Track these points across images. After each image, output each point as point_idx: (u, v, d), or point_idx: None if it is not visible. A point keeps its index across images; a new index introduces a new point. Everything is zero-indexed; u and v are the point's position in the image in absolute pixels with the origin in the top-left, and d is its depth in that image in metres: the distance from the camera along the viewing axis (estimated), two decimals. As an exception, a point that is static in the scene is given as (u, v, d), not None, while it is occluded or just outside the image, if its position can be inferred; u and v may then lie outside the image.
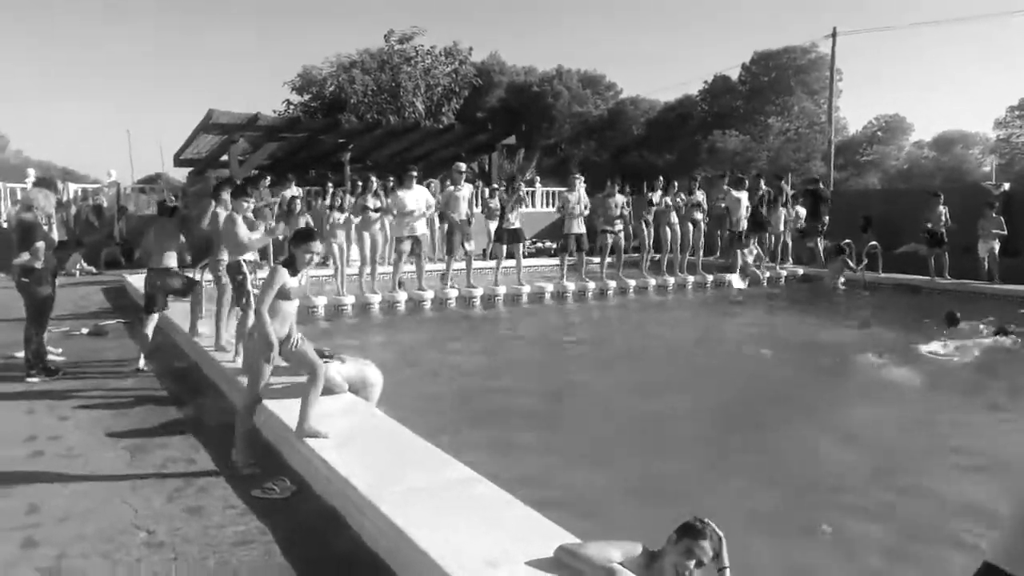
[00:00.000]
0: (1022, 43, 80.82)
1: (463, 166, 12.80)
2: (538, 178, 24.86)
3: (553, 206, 21.54)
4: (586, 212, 12.83)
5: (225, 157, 18.71)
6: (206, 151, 19.44)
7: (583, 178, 13.31)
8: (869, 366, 7.89)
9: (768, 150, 33.73)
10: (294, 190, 15.35)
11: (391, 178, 14.09)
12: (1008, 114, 42.05)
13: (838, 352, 8.78)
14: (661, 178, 14.50)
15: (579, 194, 12.92)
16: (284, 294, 4.47)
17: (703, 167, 30.95)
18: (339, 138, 18.95)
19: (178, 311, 8.36)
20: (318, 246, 4.58)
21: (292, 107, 30.59)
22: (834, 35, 26.29)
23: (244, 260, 6.57)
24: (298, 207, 11.48)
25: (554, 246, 19.24)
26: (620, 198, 13.27)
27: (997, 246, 12.87)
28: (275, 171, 17.37)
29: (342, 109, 26.12)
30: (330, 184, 13.39)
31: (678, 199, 13.97)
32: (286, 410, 4.93)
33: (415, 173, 11.42)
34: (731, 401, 6.60)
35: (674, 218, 13.83)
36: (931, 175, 40.65)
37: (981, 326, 9.91)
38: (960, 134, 44.93)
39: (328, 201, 11.97)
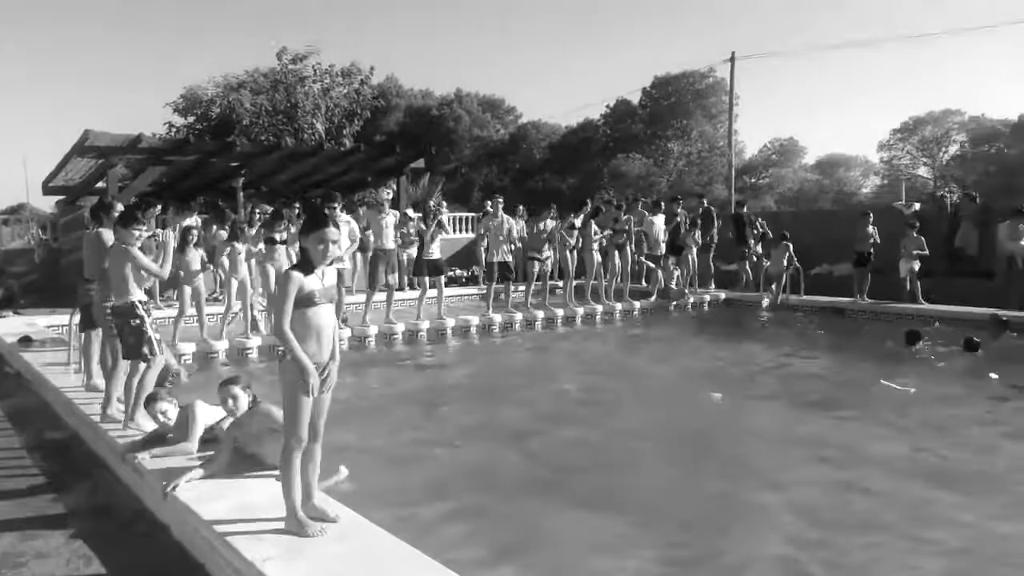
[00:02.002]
0: (907, 68, 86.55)
1: (388, 192, 11.98)
2: (444, 203, 24.00)
3: (464, 231, 20.78)
4: (515, 237, 12.11)
5: (102, 184, 16.92)
6: (80, 177, 17.53)
7: (502, 201, 12.54)
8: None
9: (669, 174, 34.18)
10: (191, 220, 13.93)
11: (296, 206, 12.93)
12: (891, 137, 44.71)
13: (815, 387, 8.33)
14: (589, 202, 13.94)
15: (502, 219, 12.17)
16: (306, 301, 3.57)
17: (606, 191, 30.94)
18: (233, 161, 17.48)
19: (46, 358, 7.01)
20: (334, 233, 3.64)
21: (175, 130, 28.59)
22: (732, 60, 26.92)
23: (138, 301, 5.38)
24: (194, 238, 10.23)
25: (465, 274, 18.42)
26: (550, 223, 12.63)
27: (917, 266, 12.96)
28: (159, 199, 15.78)
29: (231, 132, 24.50)
30: (231, 213, 12.08)
31: (598, 224, 13.42)
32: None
33: (336, 205, 10.41)
34: (709, 451, 5.92)
35: (597, 244, 13.27)
36: (815, 198, 42.52)
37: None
38: (843, 157, 47.37)
39: (225, 231, 10.73)
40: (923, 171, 43.56)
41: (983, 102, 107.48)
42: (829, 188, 44.74)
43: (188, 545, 4.00)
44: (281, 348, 3.62)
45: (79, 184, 17.32)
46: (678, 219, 15.16)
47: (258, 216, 11.74)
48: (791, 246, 14.07)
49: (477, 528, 4.42)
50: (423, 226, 11.53)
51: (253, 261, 11.34)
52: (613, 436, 6.24)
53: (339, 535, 3.67)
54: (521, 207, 14.13)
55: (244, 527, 3.74)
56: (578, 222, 13.05)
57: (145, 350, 5.28)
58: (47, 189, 18.15)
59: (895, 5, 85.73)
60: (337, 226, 3.80)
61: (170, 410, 5.04)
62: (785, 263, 14.05)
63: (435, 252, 11.48)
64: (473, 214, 21.38)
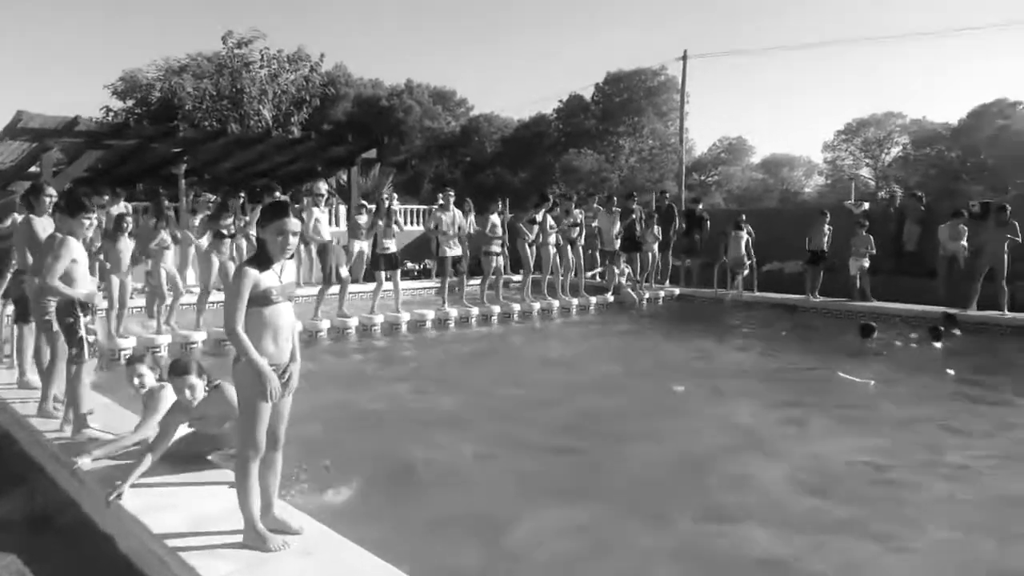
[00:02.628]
0: (852, 70, 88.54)
1: (324, 186, 11.62)
2: (395, 195, 23.59)
3: (415, 224, 20.44)
4: (462, 232, 11.91)
5: (35, 168, 16.09)
6: (11, 160, 16.62)
7: (453, 194, 12.27)
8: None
9: (620, 170, 34.29)
10: (121, 207, 13.27)
11: (241, 196, 12.45)
12: (835, 138, 45.70)
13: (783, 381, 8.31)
14: (551, 197, 13.73)
15: (453, 213, 11.92)
16: (262, 299, 3.28)
17: (558, 185, 30.87)
18: (175, 147, 16.81)
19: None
20: (295, 224, 3.34)
21: (113, 114, 27.54)
22: (685, 58, 27.11)
23: (77, 300, 4.96)
24: (127, 227, 9.57)
25: (417, 268, 18.10)
26: (495, 218, 12.43)
27: (867, 264, 13.16)
28: (94, 185, 15.05)
29: (172, 117, 23.64)
30: (166, 201, 11.41)
31: (553, 218, 13.27)
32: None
33: (278, 193, 10.06)
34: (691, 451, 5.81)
35: (554, 238, 13.11)
36: (760, 197, 43.27)
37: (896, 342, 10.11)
38: (786, 157, 48.31)
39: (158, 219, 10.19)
40: (865, 172, 44.69)
41: (923, 106, 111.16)
42: (774, 187, 45.60)
43: (135, 559, 3.70)
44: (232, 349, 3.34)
45: (10, 168, 16.42)
46: (633, 216, 15.14)
47: (203, 204, 11.29)
48: (746, 235, 14.24)
49: (452, 535, 4.21)
50: (377, 220, 11.22)
51: (192, 252, 10.90)
52: (572, 427, 6.09)
53: (303, 549, 3.41)
54: (469, 200, 13.87)
55: (198, 540, 3.47)
56: (539, 216, 12.87)
57: (74, 351, 4.85)
58: (-26, 172, 17.16)
59: (844, 6, 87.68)
60: (300, 217, 3.56)
61: (147, 377, 4.74)
62: (743, 250, 14.18)
63: (390, 246, 11.18)
64: (424, 206, 21.04)
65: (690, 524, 4.36)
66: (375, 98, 40.34)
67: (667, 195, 18.36)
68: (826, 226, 13.77)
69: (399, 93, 40.67)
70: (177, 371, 4.00)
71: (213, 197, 12.37)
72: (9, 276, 10.37)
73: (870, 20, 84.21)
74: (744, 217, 14.95)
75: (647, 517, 4.41)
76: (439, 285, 12.33)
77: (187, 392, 4.22)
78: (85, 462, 4.27)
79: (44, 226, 5.88)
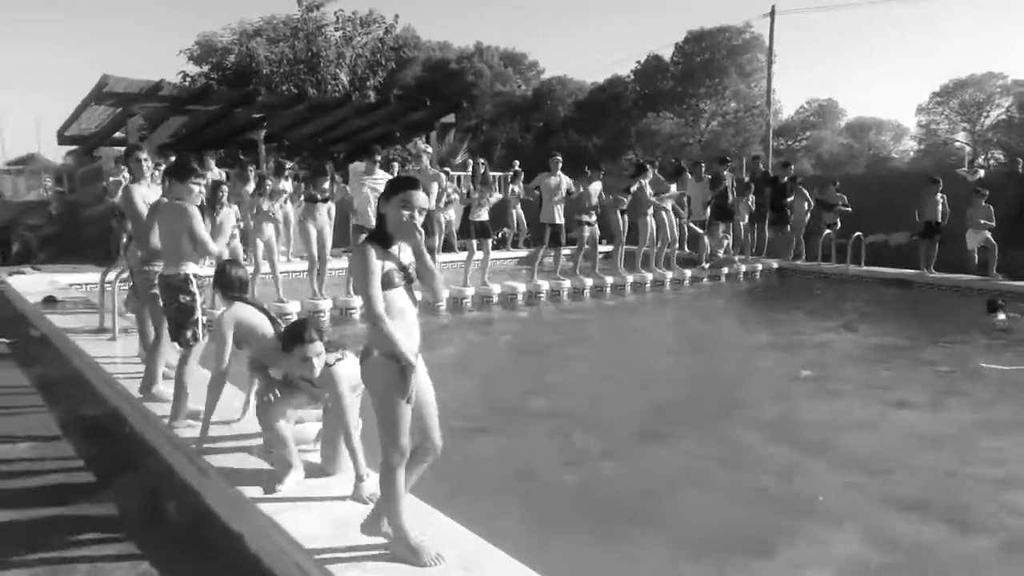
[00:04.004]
0: (947, 27, 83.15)
1: (426, 147, 11.18)
2: (471, 161, 23.15)
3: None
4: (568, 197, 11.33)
5: (120, 134, 16.14)
6: (95, 126, 16.72)
7: (560, 159, 11.68)
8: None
9: (700, 134, 33.05)
10: (216, 173, 13.12)
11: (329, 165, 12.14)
12: (930, 100, 43.12)
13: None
14: (648, 167, 13.01)
15: (560, 178, 11.34)
16: (385, 281, 2.90)
17: (634, 151, 29.92)
18: (256, 112, 16.64)
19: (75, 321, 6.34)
20: (422, 198, 2.96)
21: (191, 79, 27.64)
22: (772, 14, 25.68)
23: (192, 274, 4.63)
24: (224, 196, 9.36)
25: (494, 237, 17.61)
26: (597, 185, 11.81)
27: (986, 236, 12.14)
28: (177, 149, 15.01)
29: (248, 82, 23.55)
30: (288, 167, 11.21)
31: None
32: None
33: (378, 157, 9.71)
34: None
35: (651, 208, 12.45)
36: (845, 162, 41.29)
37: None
38: (874, 120, 45.93)
39: (253, 186, 9.96)
40: (961, 136, 42.19)
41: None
42: (859, 152, 43.47)
43: (268, 562, 3.35)
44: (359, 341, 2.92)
45: (96, 133, 16.51)
46: (724, 184, 14.34)
47: (288, 171, 11.01)
48: (807, 192, 14.03)
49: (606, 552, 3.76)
50: (471, 185, 10.75)
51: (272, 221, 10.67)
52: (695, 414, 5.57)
53: (462, 564, 3.00)
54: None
55: (340, 547, 3.11)
56: (635, 187, 12.20)
57: (188, 334, 4.47)
58: (62, 139, 17.35)
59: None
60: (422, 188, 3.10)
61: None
62: (806, 209, 13.81)
63: (483, 214, 10.74)
64: (499, 173, 20.50)
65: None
66: (444, 62, 39.79)
67: (759, 160, 17.35)
68: (939, 195, 12.76)
69: (469, 56, 40.01)
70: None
71: (290, 164, 12.12)
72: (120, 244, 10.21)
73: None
74: (837, 183, 14.22)
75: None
76: (530, 254, 11.82)
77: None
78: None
79: (143, 194, 5.59)
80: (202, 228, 4.49)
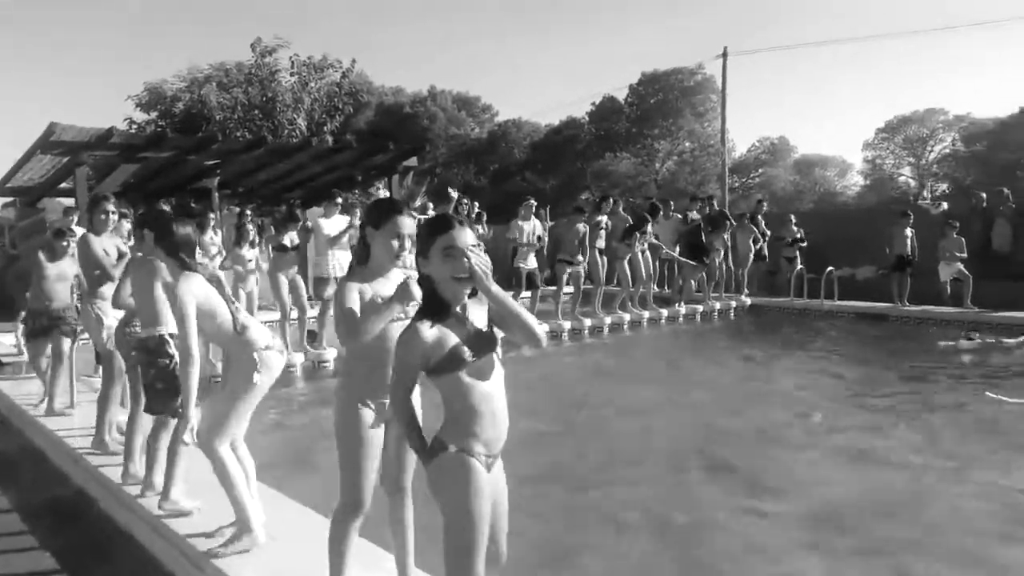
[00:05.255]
0: (893, 66, 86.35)
1: (384, 190, 10.81)
2: (430, 204, 22.86)
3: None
4: (541, 243, 11.09)
5: (66, 184, 15.44)
6: (40, 177, 15.98)
7: (535, 204, 11.46)
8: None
9: (656, 173, 33.38)
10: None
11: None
12: (876, 136, 44.43)
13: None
14: (611, 200, 12.92)
15: (534, 224, 11.12)
16: (453, 363, 2.26)
17: (590, 191, 30.00)
18: (213, 158, 16.09)
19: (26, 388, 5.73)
20: (468, 236, 2.31)
21: (138, 126, 26.98)
22: (725, 55, 26.18)
23: (170, 334, 4.15)
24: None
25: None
26: (581, 226, 11.58)
27: (958, 268, 12.24)
28: (129, 198, 14.37)
29: (198, 128, 23.00)
30: (239, 210, 10.78)
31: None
32: None
33: (340, 200, 9.30)
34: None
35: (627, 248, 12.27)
36: (792, 198, 42.15)
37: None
38: (819, 157, 47.14)
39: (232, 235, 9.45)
40: (907, 171, 43.55)
41: (967, 101, 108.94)
42: (805, 188, 44.50)
43: None
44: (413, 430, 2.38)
45: (41, 184, 15.76)
46: (696, 221, 14.30)
47: (249, 220, 10.57)
48: (754, 228, 14.23)
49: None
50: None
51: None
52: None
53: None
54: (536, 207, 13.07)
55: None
56: (606, 222, 12.04)
57: (174, 404, 3.90)
58: (3, 190, 16.53)
59: (878, 3, 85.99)
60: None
61: None
62: (751, 244, 13.97)
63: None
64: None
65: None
66: (398, 106, 39.67)
67: (714, 200, 17.32)
68: (908, 229, 12.88)
69: (422, 100, 39.99)
70: (384, 212, 2.74)
71: (237, 210, 11.67)
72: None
73: (911, 14, 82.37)
74: (794, 218, 14.61)
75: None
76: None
77: (394, 245, 2.78)
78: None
79: (104, 246, 5.18)
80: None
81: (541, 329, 2.41)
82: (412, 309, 2.53)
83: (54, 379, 6.05)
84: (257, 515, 3.44)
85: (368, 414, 2.74)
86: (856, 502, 4.71)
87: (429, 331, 2.23)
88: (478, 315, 2.35)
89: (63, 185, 15.65)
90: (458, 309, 2.32)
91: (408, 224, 2.70)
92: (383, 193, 14.29)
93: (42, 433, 5.68)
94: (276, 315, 9.08)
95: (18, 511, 4.56)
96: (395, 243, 2.68)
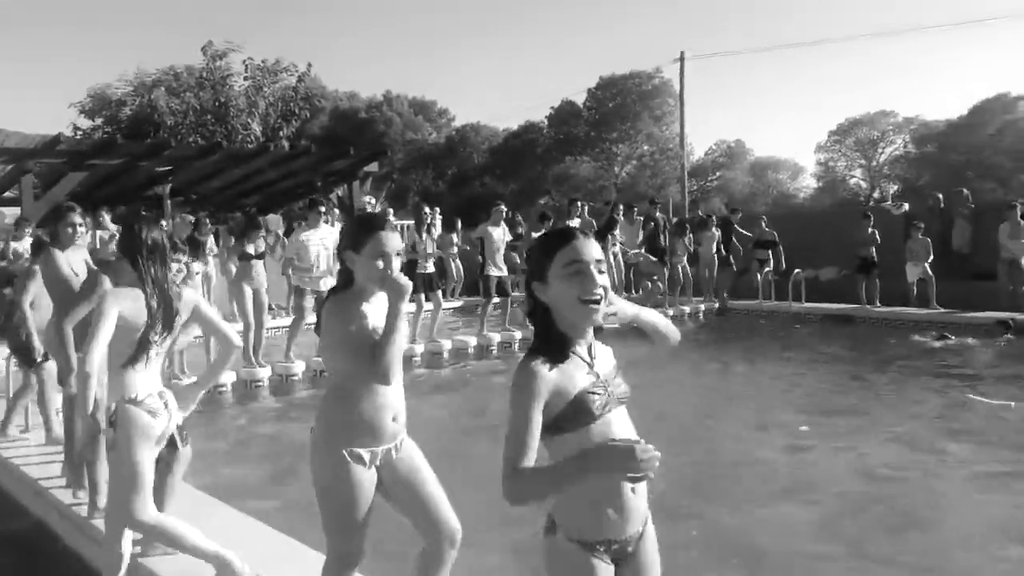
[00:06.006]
0: (845, 69, 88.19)
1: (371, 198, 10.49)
2: (391, 210, 22.49)
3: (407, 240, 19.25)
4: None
5: (11, 193, 14.74)
6: (-19, 185, 15.20)
7: (505, 210, 11.23)
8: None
9: (616, 177, 33.46)
10: (114, 230, 11.99)
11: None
12: (828, 138, 45.30)
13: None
14: (581, 204, 12.75)
15: (503, 228, 10.90)
16: (581, 415, 1.80)
17: (551, 195, 29.93)
18: (165, 164, 15.52)
19: None
20: (393, 240, 2.37)
21: (82, 133, 26.07)
22: (682, 59, 26.32)
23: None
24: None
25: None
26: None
27: (924, 269, 12.37)
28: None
29: (146, 134, 22.27)
30: (194, 219, 10.41)
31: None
32: None
33: (323, 208, 8.96)
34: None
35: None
36: (747, 200, 42.66)
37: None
38: (772, 160, 47.89)
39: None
40: (858, 172, 44.45)
41: (916, 103, 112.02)
42: (759, 191, 45.14)
43: None
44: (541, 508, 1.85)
45: (-19, 193, 15.00)
46: (654, 224, 14.29)
47: (209, 228, 10.23)
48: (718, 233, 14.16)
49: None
50: (416, 236, 10.13)
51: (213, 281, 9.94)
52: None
53: None
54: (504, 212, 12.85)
55: None
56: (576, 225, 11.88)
57: (176, 437, 3.59)
58: (-60, 200, 15.68)
59: (835, 4, 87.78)
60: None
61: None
62: (713, 249, 13.98)
63: (429, 266, 10.10)
64: (409, 221, 19.87)
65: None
66: (353, 111, 39.11)
67: (658, 204, 17.12)
68: (870, 229, 12.98)
69: (378, 105, 39.49)
70: (363, 228, 2.48)
71: (191, 218, 11.27)
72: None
73: (860, 18, 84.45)
74: (765, 220, 14.73)
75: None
76: (481, 308, 11.20)
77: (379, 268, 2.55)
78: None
79: (70, 261, 4.74)
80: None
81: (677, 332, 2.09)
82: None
83: (15, 402, 5.64)
84: (225, 551, 3.12)
85: (357, 469, 2.40)
86: (854, 508, 4.58)
87: (548, 373, 1.75)
88: (602, 353, 1.90)
89: (7, 194, 14.93)
90: (580, 343, 1.84)
91: (393, 240, 2.39)
92: (369, 199, 13.84)
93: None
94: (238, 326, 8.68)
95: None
96: (379, 263, 2.36)
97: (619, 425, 1.84)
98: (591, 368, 1.83)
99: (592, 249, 1.80)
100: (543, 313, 1.84)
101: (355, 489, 2.39)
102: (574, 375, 1.79)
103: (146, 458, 3.01)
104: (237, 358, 3.51)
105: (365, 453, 2.42)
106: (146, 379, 3.05)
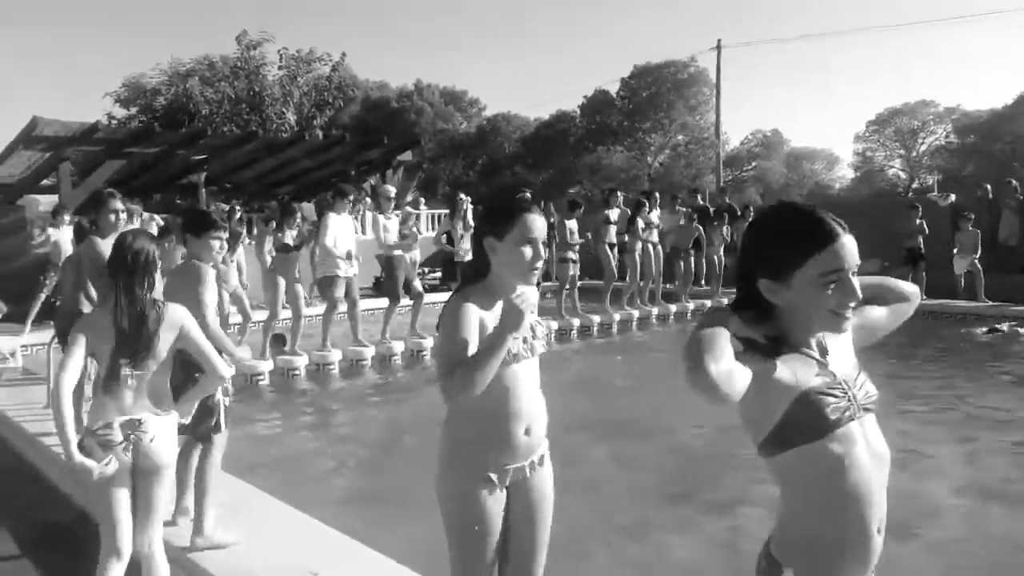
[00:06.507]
0: (885, 58, 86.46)
1: (392, 190, 10.31)
2: (422, 199, 22.44)
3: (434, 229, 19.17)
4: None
5: (49, 180, 14.87)
6: (20, 172, 15.37)
7: (530, 197, 11.05)
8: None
9: (649, 167, 33.09)
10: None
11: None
12: (866, 128, 44.41)
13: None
14: (647, 201, 12.47)
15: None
16: (824, 427, 1.53)
17: (582, 185, 29.67)
18: (201, 153, 15.60)
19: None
20: (541, 224, 2.16)
21: (118, 122, 26.30)
22: (719, 48, 25.93)
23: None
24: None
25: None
26: (573, 223, 11.17)
27: (971, 262, 12.00)
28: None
29: (181, 124, 22.42)
30: (228, 208, 10.41)
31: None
32: None
33: (351, 196, 8.83)
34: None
35: (639, 242, 11.90)
36: (780, 191, 42.06)
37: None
38: (807, 150, 47.13)
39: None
40: (898, 163, 43.54)
41: (956, 94, 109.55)
42: (794, 181, 44.44)
43: None
44: None
45: (22, 180, 15.15)
46: (690, 212, 14.03)
47: (239, 217, 10.19)
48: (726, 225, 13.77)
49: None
50: (452, 224, 10.00)
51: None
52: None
53: None
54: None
55: None
56: (614, 215, 11.70)
57: (211, 422, 3.42)
58: (-19, 187, 15.88)
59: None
60: None
61: None
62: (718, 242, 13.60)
63: (468, 254, 9.96)
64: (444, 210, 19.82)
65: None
66: (384, 100, 39.10)
67: (698, 194, 17.02)
68: (918, 221, 12.61)
69: (409, 95, 39.45)
70: (497, 215, 2.22)
71: (226, 207, 11.27)
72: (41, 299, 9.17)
73: (899, 5, 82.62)
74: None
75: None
76: (555, 294, 11.10)
77: None
78: None
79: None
80: (209, 296, 3.51)
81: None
82: (539, 345, 2.20)
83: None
84: None
85: (481, 492, 2.11)
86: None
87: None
88: (838, 348, 1.61)
89: (46, 181, 15.08)
90: (814, 344, 1.57)
91: (541, 225, 2.12)
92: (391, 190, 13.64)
93: (33, 445, 5.23)
94: (264, 315, 8.60)
95: (15, 540, 4.12)
96: (527, 251, 2.09)
97: (864, 443, 1.52)
98: (824, 367, 1.55)
99: (854, 251, 1.50)
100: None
101: (478, 514, 2.11)
102: (802, 371, 1.51)
103: (105, 492, 2.71)
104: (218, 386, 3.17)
105: (492, 472, 2.13)
106: (114, 407, 2.69)
